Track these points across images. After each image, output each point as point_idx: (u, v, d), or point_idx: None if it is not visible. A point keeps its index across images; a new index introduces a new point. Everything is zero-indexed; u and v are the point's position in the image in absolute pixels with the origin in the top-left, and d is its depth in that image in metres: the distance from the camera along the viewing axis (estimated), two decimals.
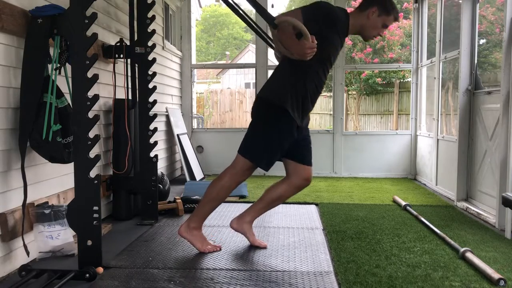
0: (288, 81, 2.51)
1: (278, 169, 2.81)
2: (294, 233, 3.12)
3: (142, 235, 3.06)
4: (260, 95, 2.61)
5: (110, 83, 3.40)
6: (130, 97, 3.46)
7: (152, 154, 3.45)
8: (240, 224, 2.79)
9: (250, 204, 2.91)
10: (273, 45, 2.66)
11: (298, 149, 2.67)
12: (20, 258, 2.39)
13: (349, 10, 2.69)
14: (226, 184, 2.62)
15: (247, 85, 20.62)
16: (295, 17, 2.35)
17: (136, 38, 3.43)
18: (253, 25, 2.85)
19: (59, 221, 2.53)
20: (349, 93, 12.20)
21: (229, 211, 3.75)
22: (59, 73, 2.48)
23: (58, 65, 2.45)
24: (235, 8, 2.57)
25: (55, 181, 2.77)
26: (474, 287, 2.20)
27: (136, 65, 3.44)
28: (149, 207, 3.43)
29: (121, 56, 3.40)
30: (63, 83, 2.57)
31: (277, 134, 2.53)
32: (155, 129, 3.47)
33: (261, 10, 2.43)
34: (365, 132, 8.83)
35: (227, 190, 2.64)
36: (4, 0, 2.24)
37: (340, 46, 2.59)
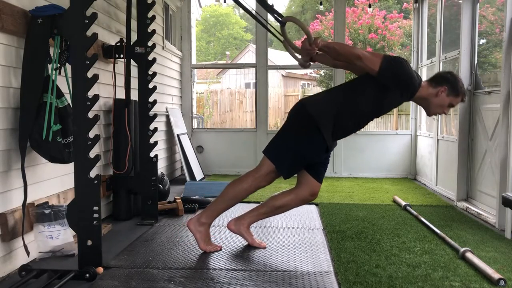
0: (336, 108, 2.52)
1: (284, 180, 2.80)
2: (294, 233, 3.12)
3: (142, 235, 3.06)
4: (305, 104, 2.60)
5: (110, 83, 3.40)
6: (131, 98, 3.46)
7: (152, 154, 3.45)
8: (238, 225, 2.80)
9: (250, 205, 2.91)
10: (281, 38, 2.72)
11: (316, 165, 2.67)
12: (20, 258, 2.39)
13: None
14: (246, 186, 2.63)
15: (247, 85, 20.62)
16: (377, 58, 2.41)
17: (133, 38, 3.43)
18: (260, 19, 2.89)
19: (59, 221, 2.53)
20: None
21: (229, 211, 3.72)
22: (59, 73, 2.48)
23: (58, 65, 2.46)
24: (241, 4, 2.61)
25: (55, 181, 2.77)
26: (474, 287, 2.20)
27: (135, 65, 3.44)
28: (149, 207, 3.43)
29: (121, 56, 3.41)
30: (63, 83, 2.57)
31: (306, 147, 2.54)
32: (155, 129, 3.47)
33: (269, 8, 2.46)
34: (365, 132, 8.78)
35: (246, 193, 2.65)
36: (4, 0, 2.24)
37: (397, 104, 2.63)
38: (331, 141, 2.57)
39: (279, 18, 2.57)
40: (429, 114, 2.68)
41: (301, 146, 2.54)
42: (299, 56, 2.67)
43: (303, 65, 2.71)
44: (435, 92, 2.54)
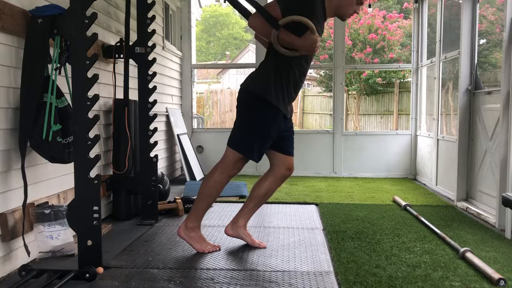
0: (271, 72, 2.53)
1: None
2: (294, 233, 3.12)
3: (142, 235, 3.06)
4: (244, 87, 2.62)
5: (110, 83, 3.40)
6: (130, 97, 3.46)
7: (152, 154, 3.45)
8: (235, 229, 2.80)
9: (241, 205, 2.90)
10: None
11: (282, 140, 2.70)
12: (20, 258, 2.39)
13: None
14: (217, 179, 2.62)
15: None
16: (273, 9, 2.41)
17: (133, 38, 3.43)
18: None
19: (59, 221, 2.53)
20: (349, 93, 12.20)
21: (229, 211, 3.75)
22: (59, 73, 2.48)
23: (58, 65, 2.45)
24: (239, 7, 2.58)
25: (55, 181, 2.77)
26: (474, 287, 2.20)
27: (135, 65, 3.45)
28: (149, 207, 3.43)
29: (121, 56, 3.41)
30: (63, 83, 2.57)
31: (264, 124, 2.54)
32: (155, 129, 3.47)
33: (263, 12, 2.44)
34: (365, 132, 8.82)
35: (219, 185, 2.64)
36: (4, 0, 2.24)
37: (321, 31, 2.59)
38: (284, 105, 2.56)
39: (278, 25, 2.45)
40: (342, 18, 2.66)
41: (258, 124, 2.54)
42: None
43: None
44: None
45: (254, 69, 6.47)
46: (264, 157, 2.70)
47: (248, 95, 2.57)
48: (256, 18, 2.47)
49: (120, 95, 3.50)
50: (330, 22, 11.30)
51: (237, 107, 2.66)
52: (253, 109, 2.56)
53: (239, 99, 2.64)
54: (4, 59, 2.29)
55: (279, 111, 2.54)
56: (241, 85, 2.65)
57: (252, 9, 2.59)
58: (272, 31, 2.44)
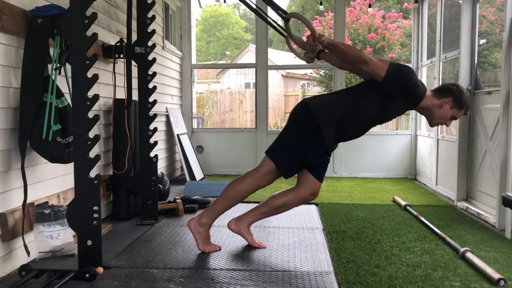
0: (339, 112, 2.53)
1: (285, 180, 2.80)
2: (294, 233, 3.12)
3: (142, 235, 3.06)
4: (309, 105, 2.60)
5: (110, 83, 3.40)
6: (131, 98, 3.47)
7: (152, 154, 3.45)
8: (238, 225, 2.79)
9: (250, 205, 2.91)
10: (284, 34, 2.72)
11: (317, 165, 2.66)
12: (20, 258, 2.39)
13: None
14: (246, 186, 2.64)
15: (247, 85, 20.61)
16: (384, 64, 2.43)
17: (133, 38, 3.43)
18: (263, 15, 2.89)
19: (59, 221, 2.53)
20: None
21: (229, 210, 3.74)
22: (59, 73, 2.48)
23: (58, 65, 2.45)
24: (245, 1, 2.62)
25: (55, 181, 2.77)
26: (474, 287, 2.20)
27: (136, 65, 3.44)
28: (149, 207, 3.43)
29: (121, 56, 3.40)
30: (63, 83, 2.57)
31: (307, 148, 2.54)
32: (155, 129, 3.47)
33: (272, 4, 2.46)
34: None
35: (246, 193, 2.65)
36: (4, 0, 2.23)
37: (401, 112, 2.65)
38: (332, 144, 2.58)
39: (283, 15, 2.56)
40: (431, 124, 2.70)
41: (303, 147, 2.54)
42: (302, 52, 2.66)
43: (308, 61, 2.71)
44: (439, 103, 2.54)
45: (254, 69, 6.46)
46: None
47: (308, 114, 2.55)
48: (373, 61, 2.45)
49: (120, 95, 3.50)
50: (330, 22, 11.31)
51: (290, 120, 2.66)
52: (303, 128, 2.56)
53: (296, 111, 2.64)
54: (4, 59, 2.29)
55: (325, 143, 2.53)
56: (304, 100, 2.65)
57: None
58: (285, 24, 2.51)
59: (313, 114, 2.53)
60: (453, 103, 2.54)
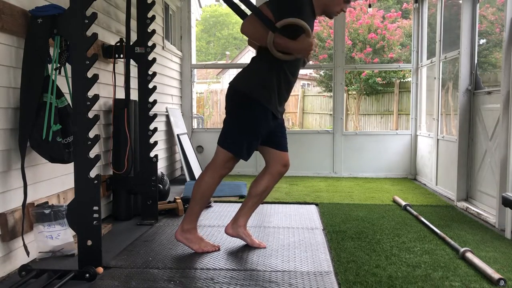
0: (261, 72, 2.54)
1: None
2: (294, 233, 3.12)
3: (142, 235, 3.06)
4: (233, 86, 2.61)
5: (110, 83, 3.40)
6: (130, 98, 3.46)
7: (152, 154, 3.45)
8: (235, 228, 2.80)
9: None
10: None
11: (274, 137, 2.70)
12: (20, 258, 2.38)
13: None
14: (209, 179, 2.63)
15: None
16: (264, 12, 2.40)
17: (133, 38, 3.43)
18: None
19: (59, 221, 2.53)
20: (349, 93, 12.20)
21: (228, 211, 3.75)
22: (59, 73, 2.48)
23: (58, 65, 2.45)
24: (235, 7, 2.57)
25: (55, 181, 2.77)
26: (474, 287, 2.20)
27: (135, 65, 3.44)
28: (149, 207, 3.43)
29: (121, 56, 3.40)
30: (63, 83, 2.57)
31: (253, 123, 2.54)
32: (155, 129, 3.47)
33: (260, 15, 2.43)
34: (365, 132, 8.82)
35: (212, 186, 2.64)
36: (4, 0, 2.23)
37: (311, 30, 2.58)
38: (275, 105, 2.56)
39: (274, 27, 2.41)
40: (330, 16, 2.67)
41: (247, 124, 2.55)
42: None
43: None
44: None
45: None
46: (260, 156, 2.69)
47: (238, 93, 2.57)
48: (250, 23, 2.45)
49: (120, 95, 3.50)
50: (330, 22, 11.31)
51: (226, 105, 2.66)
52: (242, 107, 2.56)
53: (228, 98, 2.63)
54: (4, 59, 2.29)
55: (268, 110, 2.54)
56: (230, 83, 2.64)
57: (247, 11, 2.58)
58: (269, 34, 2.40)
59: (240, 90, 2.55)
60: None
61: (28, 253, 2.34)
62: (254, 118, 2.54)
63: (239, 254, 2.67)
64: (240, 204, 2.92)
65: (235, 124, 2.59)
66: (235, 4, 2.55)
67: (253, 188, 2.77)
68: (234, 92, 2.59)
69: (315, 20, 2.76)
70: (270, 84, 2.52)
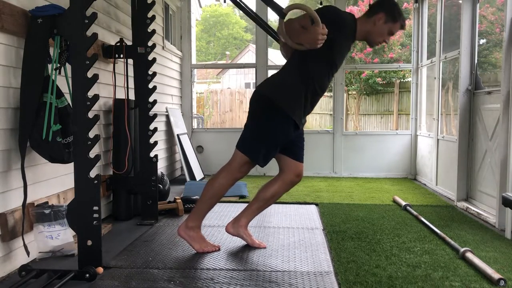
0: (292, 82, 2.52)
1: (277, 169, 2.80)
2: (294, 233, 3.12)
3: (142, 235, 3.06)
4: (260, 92, 2.60)
5: (110, 83, 3.40)
6: (132, 98, 3.47)
7: (152, 154, 3.45)
8: (236, 228, 2.80)
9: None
10: (278, 38, 2.64)
11: (294, 146, 2.69)
12: (20, 258, 2.38)
13: (353, 10, 2.70)
14: (222, 181, 2.63)
15: (247, 85, 20.63)
16: (304, 20, 2.35)
17: (132, 38, 3.43)
18: (257, 18, 2.85)
19: (59, 221, 2.53)
20: (349, 93, 12.20)
21: (229, 211, 3.75)
22: (59, 73, 2.48)
23: (58, 65, 2.45)
24: (238, 3, 2.57)
25: (55, 181, 2.77)
26: (474, 287, 2.20)
27: (135, 65, 3.44)
28: (149, 207, 3.43)
29: (121, 56, 3.40)
30: (63, 83, 2.57)
31: (275, 131, 2.53)
32: (155, 129, 3.47)
33: (268, 1, 2.42)
34: (365, 132, 8.83)
35: (224, 188, 2.64)
36: (4, 0, 2.23)
37: (346, 50, 2.61)
38: (298, 116, 2.55)
39: (281, 11, 2.39)
40: (370, 45, 2.65)
41: (269, 131, 2.53)
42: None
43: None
44: (373, 21, 2.51)
45: (254, 69, 6.47)
46: (272, 161, 2.68)
47: (263, 98, 2.55)
48: (291, 24, 2.37)
49: (120, 95, 3.50)
50: None
51: (249, 110, 2.64)
52: (265, 113, 2.54)
53: (253, 101, 2.61)
54: (4, 59, 2.29)
55: (290, 120, 2.52)
56: (256, 88, 2.63)
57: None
58: (278, 20, 2.38)
59: (267, 96, 2.52)
60: (386, 17, 2.50)
61: (28, 253, 2.34)
62: (275, 126, 2.53)
63: (239, 254, 2.67)
64: (240, 204, 2.92)
65: (256, 129, 2.58)
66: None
67: (262, 192, 2.76)
68: (260, 97, 2.58)
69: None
70: (298, 96, 2.51)
